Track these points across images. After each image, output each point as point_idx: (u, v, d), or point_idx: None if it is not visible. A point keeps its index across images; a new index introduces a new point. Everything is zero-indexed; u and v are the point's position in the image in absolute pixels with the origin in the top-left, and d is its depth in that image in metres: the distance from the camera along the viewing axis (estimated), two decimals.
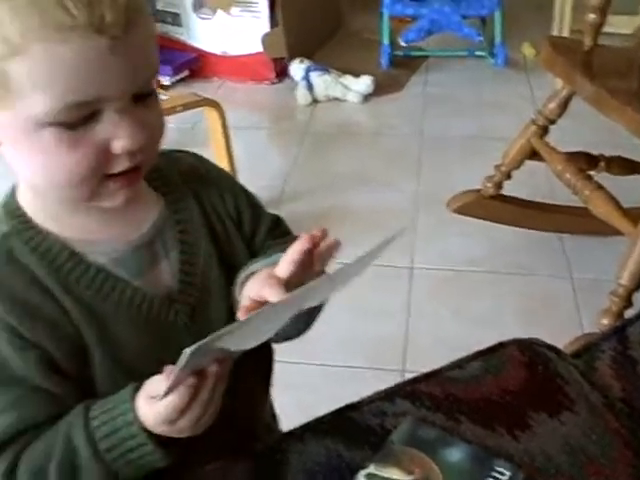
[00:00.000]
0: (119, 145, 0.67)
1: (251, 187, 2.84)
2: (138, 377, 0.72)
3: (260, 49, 3.36)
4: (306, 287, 0.67)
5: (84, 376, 0.76)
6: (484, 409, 0.88)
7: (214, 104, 2.39)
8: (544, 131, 2.14)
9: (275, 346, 0.93)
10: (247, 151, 2.78)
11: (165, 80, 3.33)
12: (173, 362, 0.65)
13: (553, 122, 2.12)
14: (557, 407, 0.89)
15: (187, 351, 0.60)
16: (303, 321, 0.82)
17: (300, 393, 1.80)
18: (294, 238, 0.91)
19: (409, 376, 1.81)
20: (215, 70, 3.48)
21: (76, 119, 0.65)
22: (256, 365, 0.89)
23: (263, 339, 0.74)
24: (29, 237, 0.75)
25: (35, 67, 0.62)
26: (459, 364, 0.96)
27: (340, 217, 2.49)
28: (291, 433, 0.88)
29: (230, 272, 0.84)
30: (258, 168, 2.77)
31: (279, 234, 0.91)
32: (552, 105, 2.09)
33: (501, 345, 1.00)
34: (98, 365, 0.76)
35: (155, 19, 3.39)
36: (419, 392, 0.91)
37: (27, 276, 0.73)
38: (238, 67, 3.43)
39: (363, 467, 0.80)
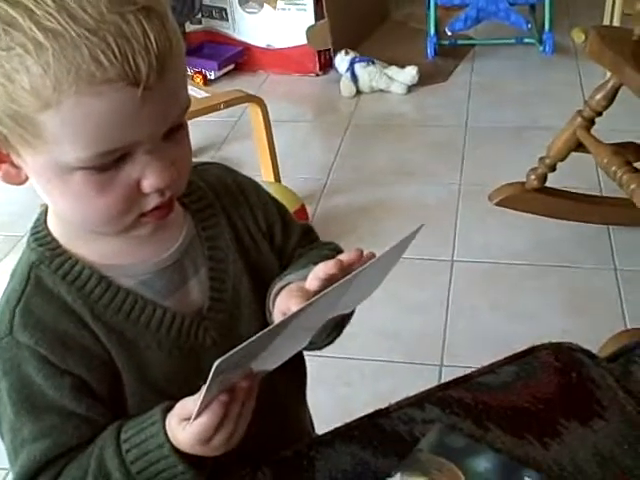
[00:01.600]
0: (148, 184, 0.67)
1: (293, 180, 2.87)
2: (168, 398, 0.72)
3: (304, 42, 3.36)
4: (329, 290, 0.65)
5: (116, 398, 0.77)
6: (514, 417, 0.87)
7: (257, 100, 2.39)
8: (590, 123, 2.10)
9: None
10: (290, 144, 2.80)
11: (210, 75, 3.36)
12: (201, 384, 0.65)
13: (600, 114, 2.08)
14: (589, 414, 0.87)
15: (217, 362, 0.59)
16: (332, 330, 0.81)
17: (336, 388, 1.81)
18: (323, 245, 0.91)
19: (447, 371, 1.83)
20: (260, 63, 3.50)
21: (106, 163, 0.65)
22: (288, 374, 0.89)
23: (292, 352, 0.74)
24: (58, 264, 0.74)
25: (67, 120, 0.61)
26: (491, 368, 0.95)
27: (383, 210, 2.50)
28: (320, 439, 0.88)
29: (261, 286, 0.84)
30: (301, 161, 2.78)
31: (308, 243, 0.90)
32: (599, 96, 2.05)
33: (535, 348, 0.98)
34: (128, 388, 0.76)
35: (202, 14, 3.42)
36: (449, 398, 0.91)
37: (57, 304, 0.74)
38: (283, 60, 3.44)
39: (389, 476, 0.80)
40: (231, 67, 3.47)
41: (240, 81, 3.31)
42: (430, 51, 3.47)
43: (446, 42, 3.51)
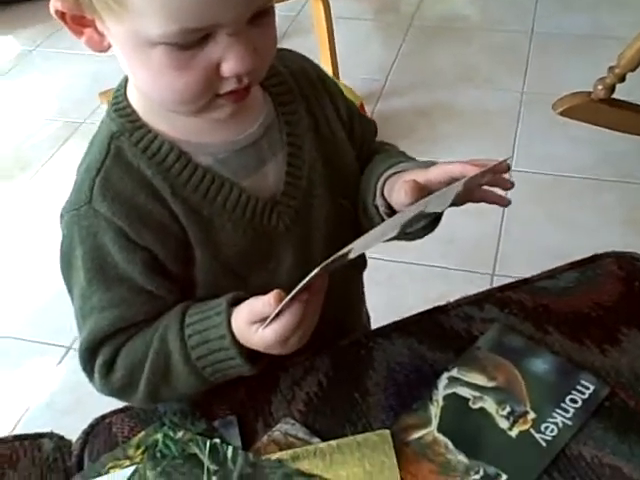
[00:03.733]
0: (228, 68, 0.65)
1: (352, 79, 2.80)
2: (238, 278, 0.73)
3: None
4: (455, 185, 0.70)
5: (186, 277, 0.77)
6: (574, 321, 0.87)
7: None
8: None
9: None
10: (350, 42, 2.73)
11: None
12: (271, 266, 0.64)
13: None
14: None
15: (318, 268, 0.60)
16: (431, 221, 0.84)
17: (389, 290, 1.82)
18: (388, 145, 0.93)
19: (498, 280, 1.82)
20: None
21: (189, 41, 0.63)
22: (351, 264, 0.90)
23: (380, 241, 0.74)
24: (139, 137, 0.74)
25: None
26: (552, 274, 0.95)
27: (442, 114, 2.44)
28: (378, 331, 0.89)
29: (335, 176, 0.83)
30: (360, 60, 2.72)
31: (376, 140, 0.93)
32: None
33: (597, 257, 0.97)
34: (200, 266, 0.77)
35: None
36: (509, 299, 0.90)
37: (137, 178, 0.73)
38: None
39: (447, 370, 0.81)
40: None
41: None
42: None
43: None
